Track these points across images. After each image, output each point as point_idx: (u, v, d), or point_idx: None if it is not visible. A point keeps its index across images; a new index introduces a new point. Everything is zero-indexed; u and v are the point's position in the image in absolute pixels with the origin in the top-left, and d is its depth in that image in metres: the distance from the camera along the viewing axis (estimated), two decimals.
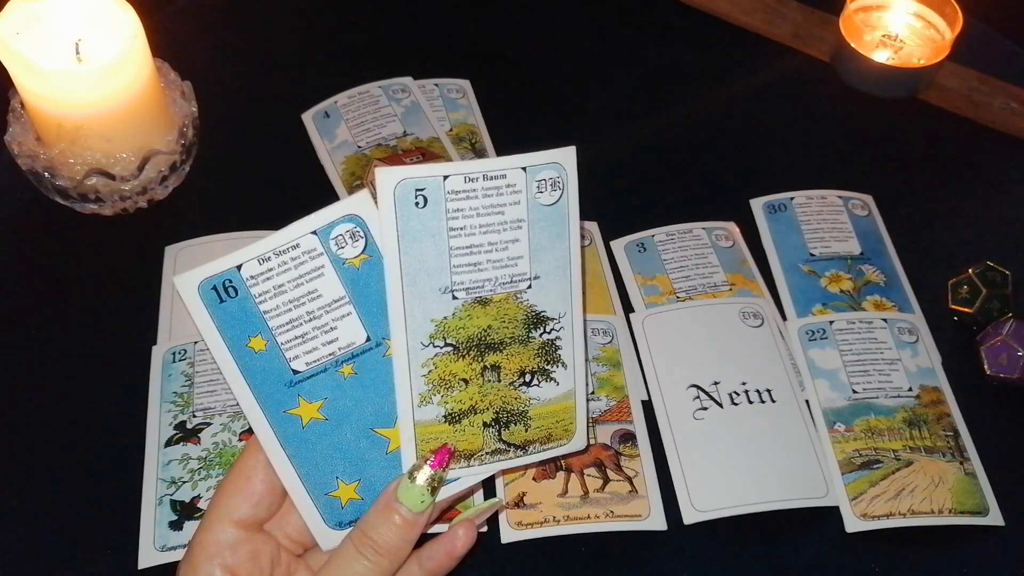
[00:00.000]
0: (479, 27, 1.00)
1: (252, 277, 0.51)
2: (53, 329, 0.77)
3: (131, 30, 0.74)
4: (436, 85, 0.92)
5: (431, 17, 1.00)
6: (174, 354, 0.74)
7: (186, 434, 0.70)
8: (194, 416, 0.71)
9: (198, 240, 0.80)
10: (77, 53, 0.75)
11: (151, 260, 0.79)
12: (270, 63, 0.96)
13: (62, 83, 0.73)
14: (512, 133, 0.89)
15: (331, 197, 0.82)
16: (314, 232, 0.52)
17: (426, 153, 0.86)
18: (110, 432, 0.71)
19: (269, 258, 0.51)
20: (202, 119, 0.84)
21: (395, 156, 0.85)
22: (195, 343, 0.74)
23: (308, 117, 0.89)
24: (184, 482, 0.68)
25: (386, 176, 0.51)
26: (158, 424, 0.71)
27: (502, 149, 0.87)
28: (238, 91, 0.93)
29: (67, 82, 0.73)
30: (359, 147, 0.86)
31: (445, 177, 0.51)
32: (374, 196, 0.51)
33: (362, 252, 0.52)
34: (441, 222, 0.52)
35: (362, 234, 0.52)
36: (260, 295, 0.51)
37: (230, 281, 0.51)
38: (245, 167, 0.87)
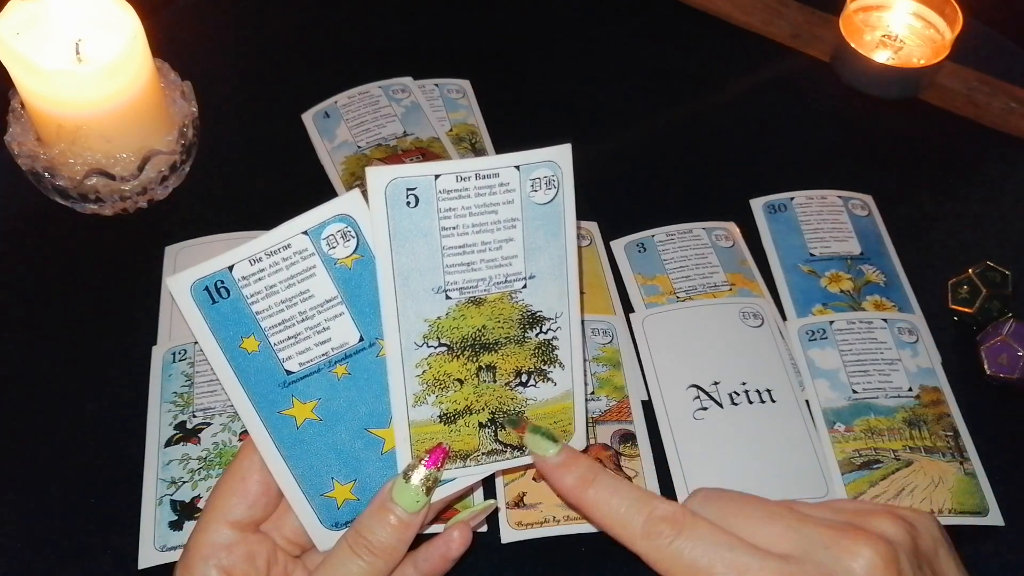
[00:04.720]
0: (479, 27, 1.00)
1: (244, 278, 0.51)
2: (53, 329, 0.77)
3: (131, 30, 0.75)
4: (436, 85, 0.92)
5: (431, 17, 1.00)
6: (174, 354, 0.74)
7: (186, 434, 0.70)
8: (194, 416, 0.71)
9: (198, 240, 0.81)
10: (77, 53, 0.76)
11: (151, 260, 0.80)
12: (270, 63, 0.96)
13: (62, 83, 0.73)
14: (512, 133, 0.89)
15: (331, 197, 0.82)
16: (305, 232, 0.52)
17: (426, 153, 0.86)
18: (110, 432, 0.71)
19: (260, 259, 0.51)
20: (202, 119, 0.84)
21: (395, 156, 0.85)
22: (195, 343, 0.74)
23: (308, 117, 0.90)
24: (184, 482, 0.68)
25: (377, 175, 0.51)
26: (158, 424, 0.71)
27: (502, 149, 0.87)
28: (238, 91, 0.93)
29: (67, 82, 0.73)
30: (359, 147, 0.86)
31: (436, 176, 0.51)
32: (366, 196, 0.51)
33: (354, 252, 0.52)
34: (433, 221, 0.52)
35: (353, 234, 0.52)
36: (252, 296, 0.51)
37: (222, 282, 0.51)
38: (245, 167, 0.87)
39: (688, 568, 0.45)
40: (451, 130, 0.89)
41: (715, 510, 0.47)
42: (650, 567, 0.47)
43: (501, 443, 0.56)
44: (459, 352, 0.54)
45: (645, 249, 0.81)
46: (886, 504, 0.47)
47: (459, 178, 0.51)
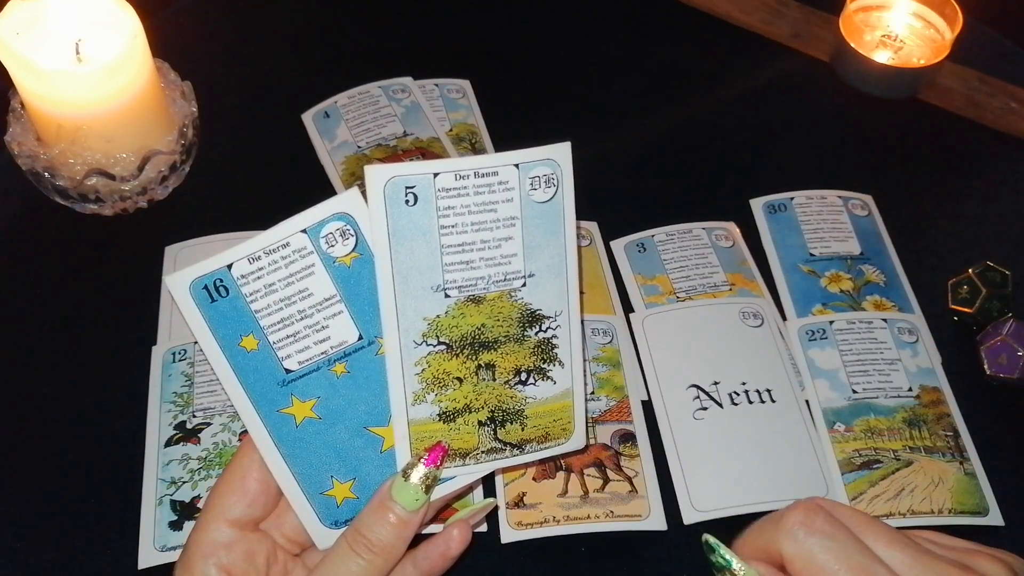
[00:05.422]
0: (479, 27, 1.00)
1: (243, 276, 0.51)
2: (53, 329, 0.77)
3: (131, 30, 0.75)
4: (436, 85, 0.92)
5: (431, 17, 1.00)
6: (174, 354, 0.74)
7: (186, 434, 0.70)
8: (194, 416, 0.71)
9: (198, 240, 0.81)
10: (77, 53, 0.76)
11: (151, 260, 0.80)
12: (270, 63, 0.96)
13: (62, 83, 0.73)
14: (512, 133, 0.89)
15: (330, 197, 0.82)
16: (304, 231, 0.52)
17: (426, 153, 0.86)
18: (110, 432, 0.71)
19: (259, 257, 0.51)
20: (202, 119, 0.84)
21: (395, 156, 0.85)
22: (195, 343, 0.74)
23: (308, 117, 0.90)
24: (184, 482, 0.68)
25: (375, 174, 0.51)
26: (158, 424, 0.71)
27: (502, 149, 0.86)
28: (238, 91, 0.93)
29: (67, 82, 0.73)
30: (359, 147, 0.86)
31: (435, 175, 0.51)
32: (365, 194, 0.51)
33: (352, 250, 0.52)
34: (432, 220, 0.52)
35: (352, 232, 0.52)
36: (251, 294, 0.51)
37: (221, 280, 0.51)
38: (245, 167, 0.87)
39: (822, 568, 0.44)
40: (451, 130, 0.89)
41: (846, 521, 0.46)
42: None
43: (501, 441, 0.56)
44: (458, 350, 0.54)
45: (645, 249, 0.81)
46: (983, 546, 0.48)
47: (458, 176, 0.51)
